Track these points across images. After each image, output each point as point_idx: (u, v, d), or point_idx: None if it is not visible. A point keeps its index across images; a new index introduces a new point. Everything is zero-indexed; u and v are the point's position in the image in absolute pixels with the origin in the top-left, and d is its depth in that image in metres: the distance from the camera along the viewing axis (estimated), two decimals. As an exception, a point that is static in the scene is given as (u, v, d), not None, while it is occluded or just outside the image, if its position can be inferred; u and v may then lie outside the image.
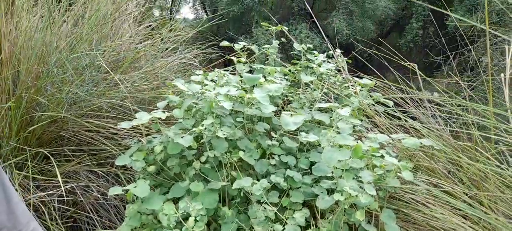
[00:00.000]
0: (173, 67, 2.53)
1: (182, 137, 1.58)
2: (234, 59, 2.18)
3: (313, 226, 1.38)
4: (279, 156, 1.80)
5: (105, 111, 1.98)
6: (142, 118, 1.58)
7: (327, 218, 1.45)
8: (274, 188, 1.66)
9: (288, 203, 1.61)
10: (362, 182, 1.36)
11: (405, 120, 2.07)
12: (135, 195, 1.45)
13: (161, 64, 2.49)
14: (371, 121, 2.16)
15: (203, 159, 1.61)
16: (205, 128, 1.55)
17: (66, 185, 1.86)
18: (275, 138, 1.82)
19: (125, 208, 2.04)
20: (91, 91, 1.89)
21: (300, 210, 1.54)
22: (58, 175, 1.63)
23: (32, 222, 1.01)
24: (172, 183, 1.71)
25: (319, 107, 1.87)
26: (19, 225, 0.98)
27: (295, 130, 2.01)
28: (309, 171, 1.80)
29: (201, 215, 1.38)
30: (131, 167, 2.03)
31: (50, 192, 1.78)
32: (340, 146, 1.38)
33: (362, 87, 2.18)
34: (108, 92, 1.98)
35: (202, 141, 1.64)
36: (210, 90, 1.68)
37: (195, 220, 1.36)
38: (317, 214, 1.53)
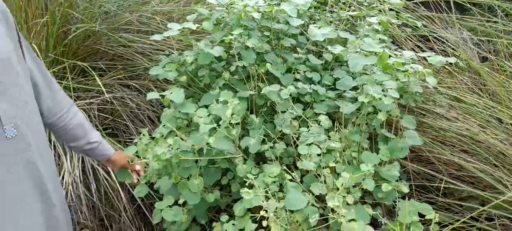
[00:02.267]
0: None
1: (212, 48, 1.65)
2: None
3: (336, 128, 1.47)
4: (304, 72, 1.86)
5: (136, 26, 2.05)
6: (174, 28, 1.64)
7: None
8: (298, 101, 1.75)
9: (311, 115, 1.70)
10: (386, 91, 1.41)
11: (433, 40, 2.06)
12: (171, 101, 1.55)
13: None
14: (397, 44, 2.16)
15: (232, 68, 1.68)
16: (235, 38, 1.60)
17: (103, 96, 2.00)
18: (301, 52, 1.87)
19: (157, 119, 2.20)
20: (122, 4, 1.94)
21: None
22: (100, 83, 1.75)
23: (73, 107, 1.12)
24: (202, 95, 1.81)
25: (349, 15, 1.88)
26: (62, 109, 1.09)
27: (321, 47, 2.04)
28: (332, 87, 1.87)
29: (238, 110, 1.45)
30: (162, 81, 2.15)
31: (90, 100, 1.92)
32: (366, 54, 1.42)
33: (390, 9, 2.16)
34: (138, 7, 2.03)
35: (231, 52, 1.71)
36: (238, 3, 1.70)
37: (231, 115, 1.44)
38: (338, 125, 1.61)
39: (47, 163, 1.00)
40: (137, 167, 1.30)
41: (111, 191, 1.79)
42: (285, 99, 1.55)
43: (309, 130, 1.45)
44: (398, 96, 1.34)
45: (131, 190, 1.82)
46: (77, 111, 1.12)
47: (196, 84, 1.85)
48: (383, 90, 1.42)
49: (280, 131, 1.55)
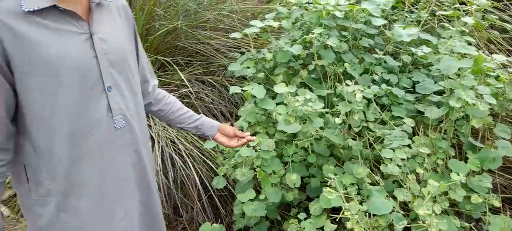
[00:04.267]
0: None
1: (291, 46, 1.66)
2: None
3: (420, 132, 1.42)
4: (381, 73, 1.81)
5: (213, 24, 2.12)
6: (256, 25, 1.68)
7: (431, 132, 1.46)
8: (375, 103, 1.70)
9: (389, 117, 1.65)
10: (479, 96, 1.33)
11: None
12: (252, 96, 1.60)
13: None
14: (478, 47, 2.02)
15: (311, 67, 1.68)
16: (315, 37, 1.60)
17: (181, 90, 2.11)
18: (380, 53, 1.82)
19: (229, 114, 2.26)
20: (202, 3, 2.03)
21: (403, 124, 1.57)
22: (183, 77, 1.84)
23: (155, 80, 1.17)
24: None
25: (440, 14, 1.79)
26: (164, 96, 1.16)
27: (397, 48, 1.97)
28: (410, 90, 1.79)
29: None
30: (236, 77, 2.21)
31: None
32: (458, 57, 1.34)
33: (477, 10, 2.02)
34: (216, 6, 2.11)
35: (310, 51, 1.71)
36: (319, 1, 1.70)
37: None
38: (417, 130, 1.55)
39: (148, 152, 1.07)
40: (247, 135, 1.24)
41: (186, 180, 1.88)
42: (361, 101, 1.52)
43: (391, 133, 1.41)
44: (495, 102, 1.25)
45: (204, 180, 1.90)
46: (156, 84, 1.17)
47: (271, 81, 1.88)
48: (476, 95, 1.34)
49: (357, 132, 1.52)
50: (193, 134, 1.87)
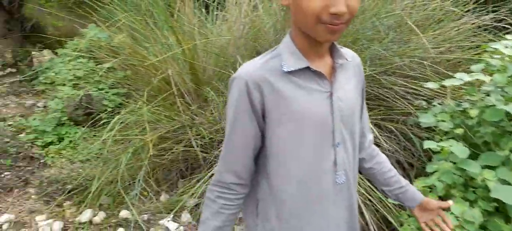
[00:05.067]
0: (464, 31, 2.35)
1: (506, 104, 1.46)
2: None
3: None
4: None
5: (402, 70, 2.06)
6: (463, 78, 1.54)
7: None
8: None
9: None
10: None
11: None
12: (450, 153, 1.46)
13: (451, 26, 2.35)
14: None
15: (531, 131, 1.44)
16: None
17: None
18: None
19: (408, 164, 2.13)
20: (392, 49, 1.99)
21: None
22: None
23: (371, 134, 1.14)
24: (479, 153, 1.63)
25: None
26: (374, 150, 1.13)
27: None
28: None
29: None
30: (420, 127, 2.07)
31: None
32: None
33: None
34: (408, 51, 2.04)
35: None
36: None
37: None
38: None
39: (356, 210, 1.06)
40: (449, 222, 1.10)
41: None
42: None
43: None
44: None
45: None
46: (382, 155, 1.16)
47: (469, 139, 1.69)
48: None
49: None
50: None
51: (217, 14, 3.64)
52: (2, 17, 5.59)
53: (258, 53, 3.41)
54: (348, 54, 0.98)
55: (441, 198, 1.53)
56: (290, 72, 0.88)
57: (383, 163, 1.13)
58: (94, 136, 3.23)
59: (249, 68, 0.90)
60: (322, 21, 0.79)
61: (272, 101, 0.89)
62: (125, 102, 3.48)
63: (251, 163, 0.96)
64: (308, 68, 0.89)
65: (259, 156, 0.97)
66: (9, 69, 5.67)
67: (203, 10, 3.52)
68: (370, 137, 1.13)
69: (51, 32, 5.09)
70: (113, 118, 3.06)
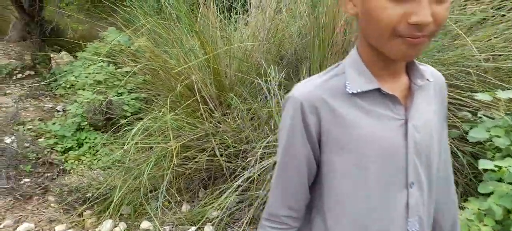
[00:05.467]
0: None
1: None
2: None
3: None
4: None
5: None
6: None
7: None
8: None
9: None
10: None
11: None
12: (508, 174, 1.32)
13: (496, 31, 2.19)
14: None
15: None
16: None
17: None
18: None
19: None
20: (437, 57, 1.85)
21: None
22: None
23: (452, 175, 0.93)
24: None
25: None
26: (451, 174, 0.92)
27: None
28: None
29: None
30: (469, 142, 1.92)
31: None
32: None
33: None
34: (452, 59, 1.90)
35: None
36: None
37: None
38: None
39: None
40: None
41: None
42: None
43: None
44: None
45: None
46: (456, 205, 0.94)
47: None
48: None
49: None
50: None
51: (238, 17, 3.55)
52: (22, 20, 5.62)
53: (282, 58, 3.31)
54: (429, 72, 0.80)
55: (499, 223, 1.39)
56: (355, 94, 0.74)
57: (455, 215, 0.92)
58: (114, 141, 3.17)
59: (305, 88, 0.77)
60: (399, 33, 0.64)
61: (331, 127, 0.75)
62: (144, 107, 3.41)
63: (306, 192, 0.81)
64: (378, 90, 0.73)
65: (315, 188, 0.82)
66: (28, 72, 5.70)
67: (226, 12, 3.43)
68: (451, 179, 0.91)
69: (71, 35, 5.08)
70: (133, 123, 2.99)
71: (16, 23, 9.05)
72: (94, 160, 3.03)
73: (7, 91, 4.87)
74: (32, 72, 5.65)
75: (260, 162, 2.21)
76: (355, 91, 0.73)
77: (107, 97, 3.30)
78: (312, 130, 0.76)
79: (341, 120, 0.74)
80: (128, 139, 2.29)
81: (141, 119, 3.12)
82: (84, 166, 2.94)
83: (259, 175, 2.26)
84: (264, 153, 2.28)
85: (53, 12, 5.39)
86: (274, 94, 2.45)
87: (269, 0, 3.38)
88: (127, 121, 2.92)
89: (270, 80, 2.49)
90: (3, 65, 5.82)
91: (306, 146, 0.77)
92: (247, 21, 3.50)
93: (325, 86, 0.76)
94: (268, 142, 2.30)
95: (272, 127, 2.42)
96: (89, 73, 3.60)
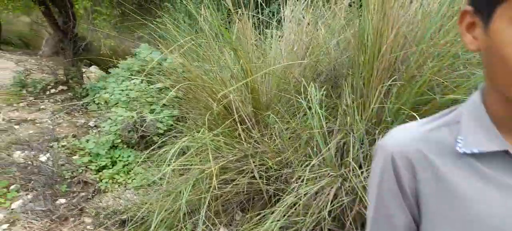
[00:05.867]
0: None
1: None
2: None
3: None
4: None
5: None
6: None
7: None
8: None
9: None
10: None
11: None
12: None
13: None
14: None
15: None
16: None
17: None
18: None
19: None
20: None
21: None
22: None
23: None
24: None
25: None
26: None
27: None
28: None
29: None
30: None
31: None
32: None
33: None
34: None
35: None
36: None
37: None
38: None
39: None
40: None
41: None
42: None
43: None
44: None
45: None
46: None
47: None
48: None
49: None
50: None
51: (272, 32, 3.47)
52: (56, 36, 5.74)
53: (319, 75, 3.18)
54: None
55: None
56: (471, 155, 0.55)
57: None
58: (148, 159, 3.11)
59: (400, 137, 0.61)
60: None
61: (431, 192, 0.58)
62: (176, 124, 3.35)
63: None
64: (506, 152, 0.54)
65: None
66: (60, 87, 5.80)
67: (261, 26, 3.35)
68: None
69: (103, 51, 5.14)
70: (166, 141, 2.93)
71: (49, 39, 9.34)
72: (128, 179, 2.98)
73: (41, 107, 4.95)
74: (65, 87, 5.74)
75: (305, 185, 2.09)
76: (471, 151, 0.55)
77: (140, 115, 3.26)
78: (406, 188, 0.60)
79: (448, 186, 0.56)
80: (166, 162, 2.21)
81: (175, 136, 3.06)
82: (118, 186, 2.89)
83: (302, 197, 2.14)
84: (308, 178, 2.15)
85: (85, 29, 5.48)
86: (315, 113, 2.32)
87: (304, 13, 3.29)
88: (162, 141, 2.86)
89: (311, 98, 2.37)
90: (37, 80, 5.95)
91: (400, 206, 0.62)
92: (281, 35, 3.41)
93: (428, 138, 0.59)
94: (311, 166, 2.17)
95: (315, 149, 2.30)
96: (122, 90, 3.59)
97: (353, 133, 2.25)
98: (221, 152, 2.47)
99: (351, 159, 2.09)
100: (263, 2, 3.46)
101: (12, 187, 2.71)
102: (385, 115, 2.14)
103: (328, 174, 2.10)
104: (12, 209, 2.47)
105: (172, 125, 3.41)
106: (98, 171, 3.06)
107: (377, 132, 2.15)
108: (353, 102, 2.41)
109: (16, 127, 4.10)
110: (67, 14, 5.02)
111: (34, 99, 5.29)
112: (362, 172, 1.98)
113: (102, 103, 3.80)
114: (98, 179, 2.96)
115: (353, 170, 2.07)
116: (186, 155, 2.35)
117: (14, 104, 4.98)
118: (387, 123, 2.13)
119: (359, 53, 2.43)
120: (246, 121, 2.60)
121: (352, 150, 2.16)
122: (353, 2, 2.96)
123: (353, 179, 1.99)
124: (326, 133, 2.31)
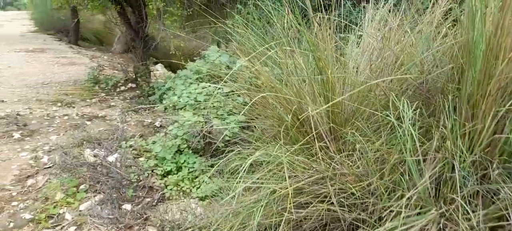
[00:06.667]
0: None
1: None
2: None
3: None
4: None
5: None
6: None
7: None
8: None
9: None
10: None
11: None
12: None
13: None
14: None
15: None
16: None
17: None
18: None
19: None
20: None
21: None
22: None
23: None
24: None
25: None
26: None
27: None
28: None
29: None
30: None
31: None
32: None
33: None
34: None
35: None
36: None
37: None
38: None
39: None
40: None
41: None
42: None
43: None
44: None
45: None
46: None
47: None
48: None
49: None
50: None
51: (350, 38, 3.15)
52: (128, 35, 5.91)
53: (407, 88, 2.80)
54: None
55: None
56: None
57: None
58: (211, 166, 2.97)
59: None
60: None
61: None
62: (240, 132, 3.17)
63: None
64: None
65: None
66: (130, 84, 5.95)
67: (341, 32, 3.05)
68: None
69: (173, 52, 5.17)
70: (232, 149, 2.75)
71: (121, 37, 9.80)
72: (193, 186, 2.85)
73: (111, 104, 5.09)
74: (133, 85, 5.89)
75: (397, 220, 1.77)
76: None
77: (207, 120, 3.13)
78: None
79: None
80: (237, 179, 2.02)
81: (238, 143, 2.88)
82: (183, 194, 2.77)
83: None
84: (399, 211, 1.83)
85: (156, 29, 5.56)
86: (407, 133, 1.98)
87: (391, 17, 2.93)
88: (229, 149, 2.68)
89: (402, 115, 2.04)
90: (109, 77, 6.18)
91: None
92: (360, 42, 3.08)
93: None
94: (400, 197, 1.85)
95: (407, 177, 1.96)
96: (191, 93, 3.49)
97: (456, 162, 1.88)
98: (295, 171, 2.23)
99: (458, 194, 1.73)
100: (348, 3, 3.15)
101: (81, 187, 2.71)
102: (505, 145, 1.75)
103: (429, 210, 1.76)
104: (80, 211, 2.44)
105: (237, 133, 3.24)
106: (163, 176, 2.98)
107: (493, 164, 1.76)
108: (454, 125, 2.03)
109: (88, 122, 4.21)
110: (140, 14, 5.11)
111: (106, 95, 5.47)
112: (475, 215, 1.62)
113: (171, 107, 3.75)
114: (163, 185, 2.87)
115: (458, 208, 1.72)
116: (260, 174, 2.14)
117: (88, 100, 5.18)
118: (509, 154, 1.73)
119: (467, 67, 2.05)
120: (324, 137, 2.33)
121: (457, 184, 1.80)
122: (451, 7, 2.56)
123: (463, 222, 1.63)
124: (422, 159, 1.96)
